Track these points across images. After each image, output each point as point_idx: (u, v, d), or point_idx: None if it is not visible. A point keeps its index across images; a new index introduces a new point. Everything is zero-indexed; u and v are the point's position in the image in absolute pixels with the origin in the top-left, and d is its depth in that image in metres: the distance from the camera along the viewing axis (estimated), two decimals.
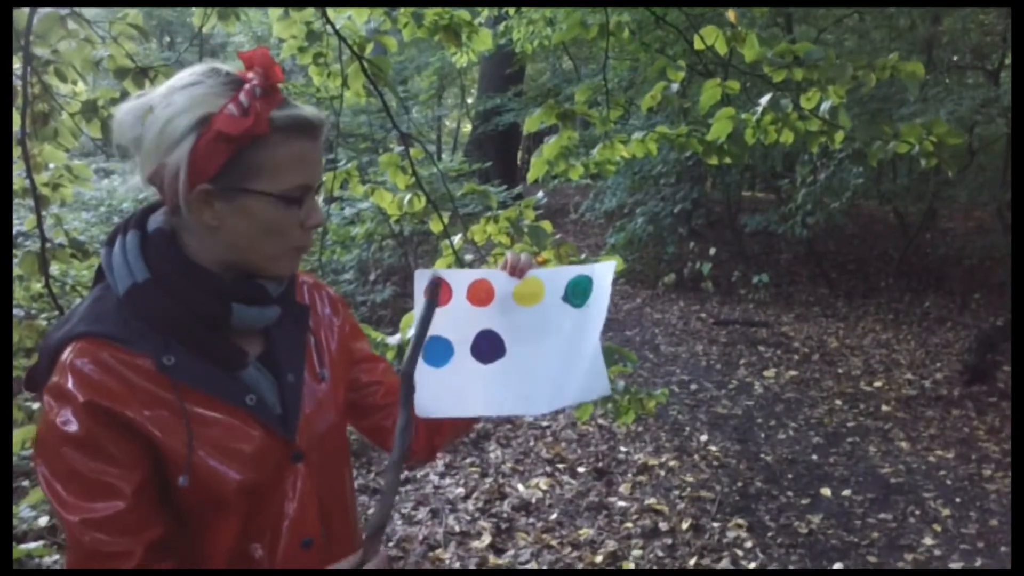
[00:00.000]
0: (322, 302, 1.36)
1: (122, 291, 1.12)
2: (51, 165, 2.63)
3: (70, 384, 1.06)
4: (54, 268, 2.66)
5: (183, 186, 1.09)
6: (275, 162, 1.10)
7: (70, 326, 1.11)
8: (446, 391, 1.34)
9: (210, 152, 1.07)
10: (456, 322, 1.34)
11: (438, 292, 1.32)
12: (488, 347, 1.36)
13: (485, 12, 3.58)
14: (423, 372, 1.34)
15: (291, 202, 1.12)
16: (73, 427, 1.05)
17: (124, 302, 1.11)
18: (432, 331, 1.33)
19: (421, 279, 1.34)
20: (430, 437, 1.42)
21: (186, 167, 1.08)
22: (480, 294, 1.34)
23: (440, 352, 1.36)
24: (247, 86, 1.09)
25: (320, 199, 1.22)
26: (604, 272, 1.35)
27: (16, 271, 2.46)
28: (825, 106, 2.55)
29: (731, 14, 2.59)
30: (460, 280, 1.35)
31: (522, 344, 1.35)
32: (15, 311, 2.87)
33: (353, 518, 1.36)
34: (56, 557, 3.50)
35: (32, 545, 3.38)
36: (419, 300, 1.34)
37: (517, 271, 1.35)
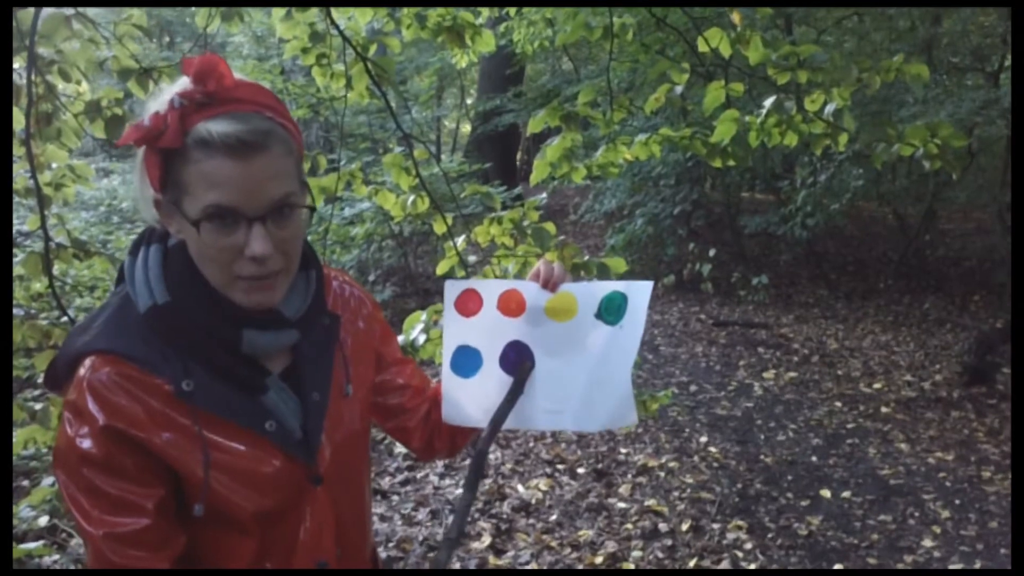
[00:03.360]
0: (354, 304, 1.31)
1: (142, 309, 1.09)
2: (54, 165, 2.63)
3: (89, 404, 1.04)
4: (55, 268, 2.66)
5: (148, 194, 1.08)
6: (191, 180, 1.02)
7: (90, 337, 1.09)
8: (472, 401, 1.34)
9: (149, 164, 1.05)
10: (485, 332, 1.34)
11: (521, 387, 1.33)
12: (516, 358, 1.34)
13: (486, 13, 3.58)
14: (450, 381, 1.35)
15: (205, 223, 1.03)
16: (91, 447, 1.03)
17: (144, 321, 1.09)
18: (461, 340, 1.33)
19: (452, 290, 1.34)
20: (452, 436, 1.42)
21: (139, 175, 1.08)
22: (511, 305, 1.32)
23: (469, 362, 1.35)
24: (177, 97, 1.02)
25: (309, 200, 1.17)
26: (640, 291, 1.33)
27: (19, 271, 2.46)
28: (829, 108, 2.55)
29: (736, 16, 2.59)
30: (491, 290, 1.34)
31: (551, 358, 1.33)
32: (16, 311, 2.86)
33: (369, 531, 1.34)
34: (56, 557, 3.50)
35: (32, 545, 3.37)
36: (449, 311, 1.33)
37: (550, 285, 1.32)
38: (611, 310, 1.32)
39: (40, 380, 4.87)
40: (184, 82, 1.05)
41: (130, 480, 1.05)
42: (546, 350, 1.33)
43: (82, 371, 1.06)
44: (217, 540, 1.12)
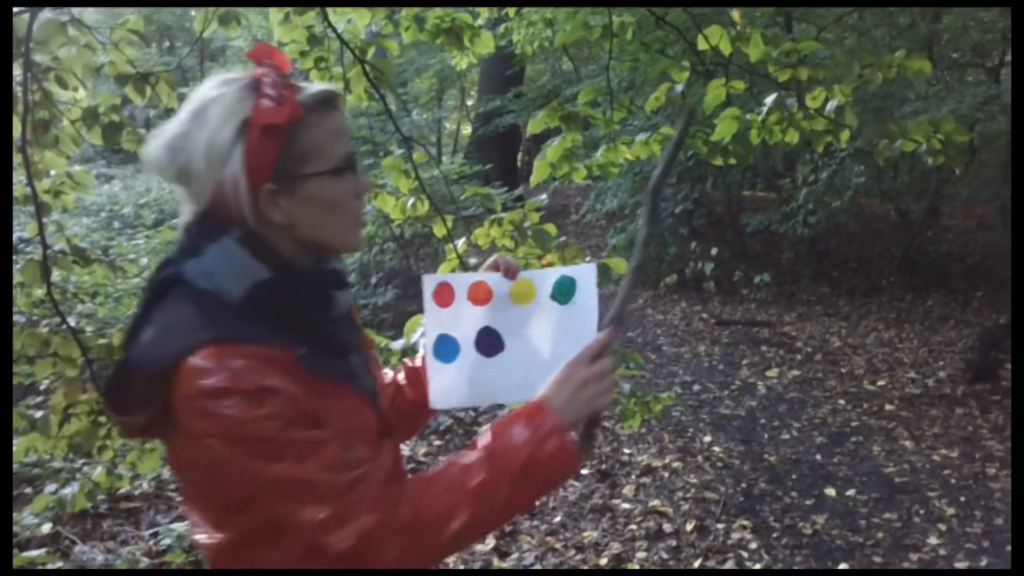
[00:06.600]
0: None
1: (241, 292, 1.10)
2: (52, 172, 2.62)
3: (238, 376, 1.03)
4: (55, 275, 2.65)
5: (246, 193, 1.09)
6: (319, 141, 1.13)
7: (185, 339, 1.06)
8: (455, 384, 1.47)
9: (261, 151, 1.09)
10: (460, 321, 1.47)
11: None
12: (490, 342, 1.47)
13: (485, 14, 3.57)
14: (434, 368, 1.47)
15: (343, 173, 1.16)
16: (273, 402, 1.03)
17: (247, 302, 1.10)
18: (440, 330, 1.47)
19: (428, 283, 1.46)
20: (413, 419, 1.54)
21: (244, 173, 1.09)
22: (479, 294, 1.46)
23: (448, 349, 1.48)
24: (266, 79, 1.11)
25: None
26: (585, 273, 1.46)
27: (18, 278, 2.45)
28: (831, 105, 2.54)
29: (736, 14, 2.57)
30: (461, 283, 1.47)
31: (517, 338, 1.47)
32: (18, 317, 2.86)
33: None
34: (60, 564, 3.49)
35: (35, 552, 3.37)
36: (428, 303, 1.46)
37: (510, 273, 1.45)
38: (562, 292, 1.46)
39: (42, 387, 4.86)
40: (247, 74, 1.14)
41: (311, 423, 1.07)
42: (512, 332, 1.47)
43: (199, 363, 1.03)
44: None
